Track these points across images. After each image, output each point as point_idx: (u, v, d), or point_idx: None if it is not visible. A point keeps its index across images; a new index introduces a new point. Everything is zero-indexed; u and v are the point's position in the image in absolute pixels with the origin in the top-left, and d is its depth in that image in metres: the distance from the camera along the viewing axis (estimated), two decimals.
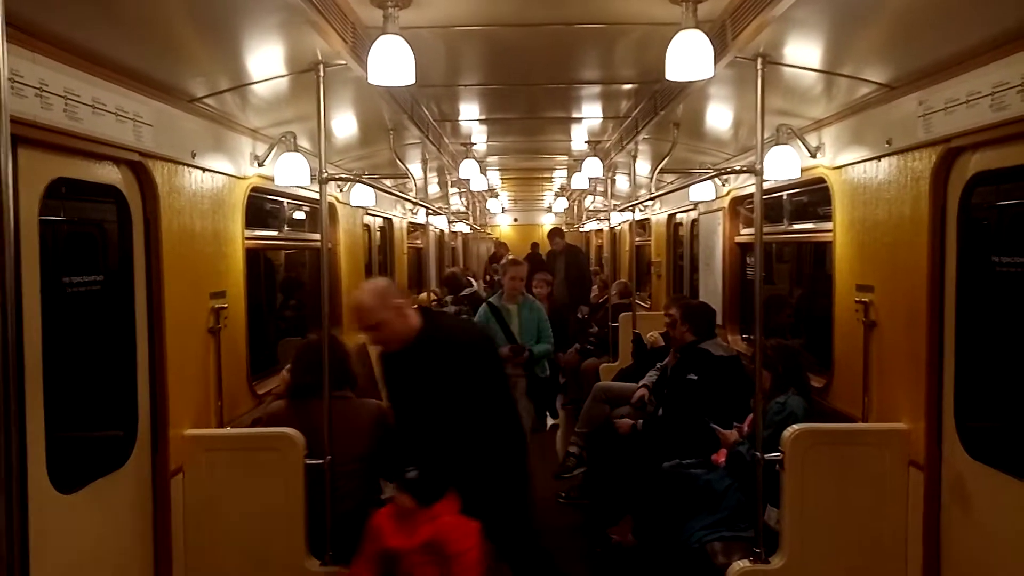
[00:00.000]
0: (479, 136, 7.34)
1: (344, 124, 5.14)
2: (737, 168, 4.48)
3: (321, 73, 3.43)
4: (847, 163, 3.87)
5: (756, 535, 3.39)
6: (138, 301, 3.25)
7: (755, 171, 3.39)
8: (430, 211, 7.47)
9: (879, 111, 3.51)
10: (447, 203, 10.92)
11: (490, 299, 5.96)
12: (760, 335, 3.36)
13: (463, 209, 12.67)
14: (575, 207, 14.00)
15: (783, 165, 4.20)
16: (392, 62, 3.13)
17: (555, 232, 11.56)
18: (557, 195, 13.81)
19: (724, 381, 4.73)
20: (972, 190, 2.98)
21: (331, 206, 6.12)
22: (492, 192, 12.97)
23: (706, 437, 4.39)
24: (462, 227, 13.78)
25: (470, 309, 8.00)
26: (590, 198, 12.66)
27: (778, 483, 3.39)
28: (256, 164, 4.28)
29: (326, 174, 3.57)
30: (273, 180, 4.42)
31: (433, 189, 9.79)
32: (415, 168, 7.53)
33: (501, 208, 15.89)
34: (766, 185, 4.88)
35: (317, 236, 6.05)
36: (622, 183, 9.39)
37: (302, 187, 4.80)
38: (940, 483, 3.15)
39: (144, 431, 3.26)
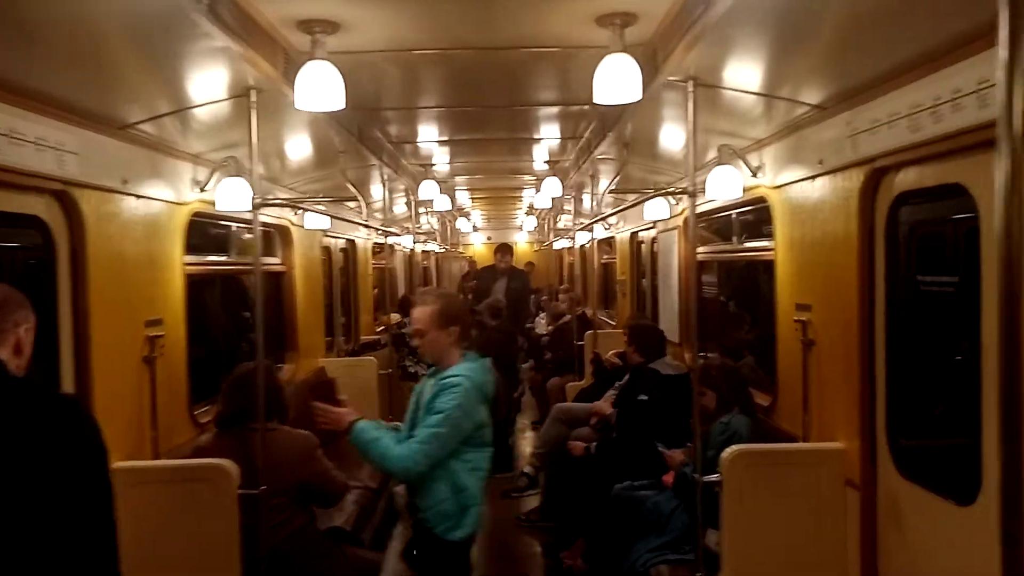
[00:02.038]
0: (441, 157, 7.34)
1: (295, 146, 5.12)
2: (672, 190, 4.48)
3: (253, 99, 3.40)
4: (785, 183, 3.89)
5: (696, 558, 3.37)
6: (63, 332, 3.19)
7: (688, 193, 3.39)
8: (388, 232, 7.44)
9: (812, 131, 3.53)
10: (417, 223, 10.89)
11: None
12: (695, 355, 3.35)
13: (436, 228, 12.64)
14: (545, 225, 14.03)
15: (725, 185, 4.21)
16: (320, 87, 3.12)
17: (503, 248, 10.14)
18: (528, 213, 13.84)
19: (675, 400, 4.71)
20: (897, 210, 3.00)
21: (286, 229, 6.08)
22: (461, 211, 12.96)
23: (658, 458, 4.37)
24: (434, 247, 13.75)
25: None
26: (563, 216, 12.71)
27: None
28: (198, 189, 4.24)
29: (259, 199, 3.52)
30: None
31: (400, 209, 9.78)
32: (376, 189, 7.51)
33: (472, 227, 15.87)
34: (714, 204, 4.95)
35: (271, 260, 6.07)
36: (589, 202, 9.42)
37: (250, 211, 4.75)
38: (876, 503, 3.14)
39: None
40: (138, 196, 3.67)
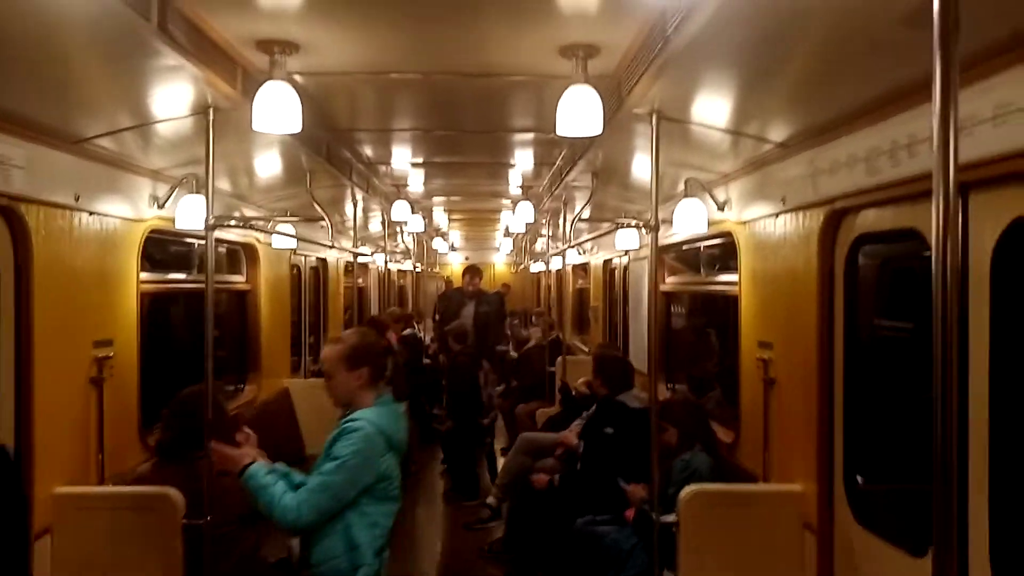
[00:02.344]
0: (415, 178, 7.30)
1: (260, 164, 5.04)
2: (632, 223, 4.45)
3: (211, 117, 3.34)
4: (751, 219, 3.87)
5: None
6: (4, 350, 3.08)
7: (651, 227, 3.35)
8: (357, 253, 7.37)
9: (776, 168, 3.52)
10: (393, 242, 10.80)
11: None
12: (655, 390, 3.29)
13: (412, 248, 12.56)
14: (522, 248, 14.01)
15: (692, 218, 4.18)
16: (278, 108, 3.07)
17: (471, 270, 9.63)
18: (506, 235, 13.82)
19: (641, 434, 4.64)
20: (856, 251, 2.98)
21: (252, 247, 5.99)
22: (438, 232, 12.90)
23: (621, 493, 4.30)
24: (411, 266, 13.66)
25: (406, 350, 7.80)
26: (540, 239, 12.68)
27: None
28: (156, 206, 4.15)
29: (214, 219, 3.43)
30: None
31: (376, 228, 9.69)
32: (349, 208, 7.43)
33: (450, 247, 15.82)
34: (681, 237, 4.92)
35: (235, 278, 5.97)
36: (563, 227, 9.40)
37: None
38: (832, 548, 3.09)
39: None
40: (91, 212, 3.58)
